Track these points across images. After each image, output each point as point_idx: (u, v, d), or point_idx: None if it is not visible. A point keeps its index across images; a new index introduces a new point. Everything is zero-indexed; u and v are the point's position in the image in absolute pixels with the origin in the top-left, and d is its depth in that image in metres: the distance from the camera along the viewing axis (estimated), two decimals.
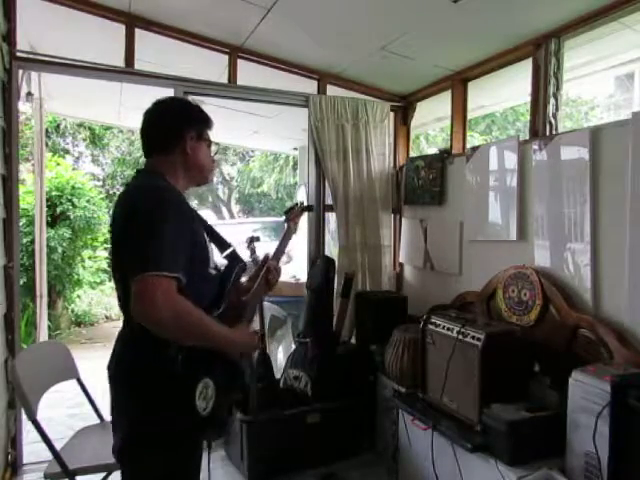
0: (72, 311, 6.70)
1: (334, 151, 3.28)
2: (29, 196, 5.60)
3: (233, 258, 1.56)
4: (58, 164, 6.75)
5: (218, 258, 1.55)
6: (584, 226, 2.18)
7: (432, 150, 7.56)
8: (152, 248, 1.22)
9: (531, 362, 2.15)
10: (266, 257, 1.78)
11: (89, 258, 6.87)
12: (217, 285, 1.46)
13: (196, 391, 1.30)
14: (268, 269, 1.70)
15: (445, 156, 3.14)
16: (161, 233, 1.23)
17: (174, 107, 1.52)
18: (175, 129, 1.45)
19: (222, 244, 1.58)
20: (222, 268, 1.52)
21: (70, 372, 2.28)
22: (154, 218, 1.25)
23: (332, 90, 3.40)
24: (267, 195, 12.84)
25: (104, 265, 7.00)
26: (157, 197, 1.30)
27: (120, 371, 1.37)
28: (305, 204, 2.18)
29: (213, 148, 1.56)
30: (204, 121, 1.51)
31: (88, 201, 6.42)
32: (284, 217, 2.08)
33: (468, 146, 3.12)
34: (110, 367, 1.39)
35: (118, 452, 1.37)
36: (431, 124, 4.51)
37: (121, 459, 1.37)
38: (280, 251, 1.83)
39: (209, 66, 3.29)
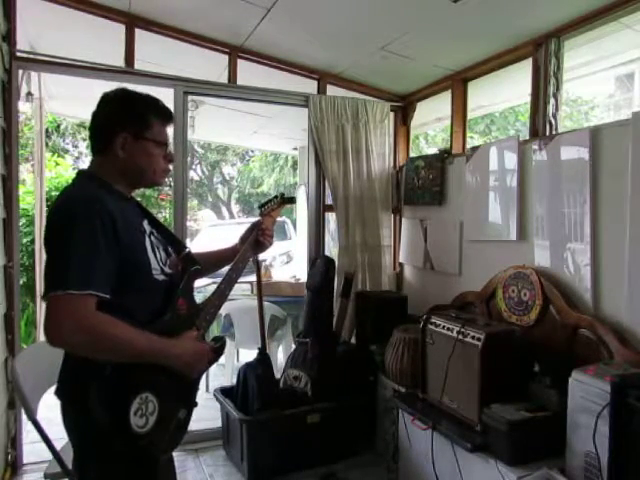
0: None
1: (334, 151, 3.28)
2: (29, 196, 5.60)
3: (187, 262, 1.45)
4: (57, 164, 6.75)
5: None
6: (584, 226, 2.18)
7: (432, 150, 7.56)
8: (60, 264, 1.15)
9: (531, 362, 2.15)
10: (259, 221, 1.75)
11: None
12: (165, 292, 1.34)
13: (131, 407, 1.19)
14: (261, 229, 1.69)
15: (445, 156, 3.14)
16: (70, 247, 1.15)
17: (107, 104, 1.36)
18: (104, 130, 1.33)
19: (178, 247, 1.48)
20: (172, 272, 1.39)
21: None
22: (62, 232, 1.18)
23: (332, 90, 3.40)
24: (267, 195, 12.85)
25: None
26: (70, 208, 1.21)
27: (60, 386, 1.32)
28: (286, 195, 1.89)
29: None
30: (143, 118, 1.33)
31: None
32: (259, 211, 1.82)
33: (468, 146, 3.13)
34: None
35: (72, 465, 1.34)
36: (431, 124, 4.50)
37: (75, 473, 1.34)
38: (246, 249, 1.65)
39: (209, 66, 3.29)
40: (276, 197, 1.86)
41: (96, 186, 1.29)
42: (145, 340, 1.23)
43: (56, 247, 1.19)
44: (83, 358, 1.20)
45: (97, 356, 1.18)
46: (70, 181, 1.36)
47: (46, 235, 1.23)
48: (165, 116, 1.40)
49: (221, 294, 1.51)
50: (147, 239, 1.35)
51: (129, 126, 1.32)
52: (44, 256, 1.26)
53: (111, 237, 1.20)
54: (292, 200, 1.93)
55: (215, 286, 1.53)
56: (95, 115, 1.36)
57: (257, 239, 1.71)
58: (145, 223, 1.39)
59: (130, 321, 1.21)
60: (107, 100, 1.37)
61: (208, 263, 1.64)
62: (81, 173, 1.37)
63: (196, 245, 7.55)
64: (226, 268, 1.64)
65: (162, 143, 1.38)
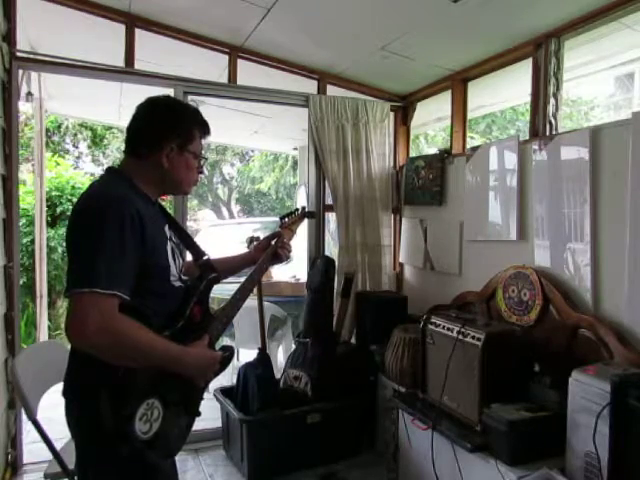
0: None
1: (334, 151, 3.28)
2: (29, 196, 5.60)
3: (206, 269, 1.46)
4: (58, 164, 6.75)
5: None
6: (584, 226, 2.18)
7: (432, 150, 7.55)
8: (87, 262, 1.14)
9: (531, 362, 2.14)
10: (279, 232, 1.78)
11: None
12: (181, 298, 1.36)
13: (137, 412, 1.18)
14: (281, 242, 1.72)
15: (445, 156, 3.14)
16: (99, 246, 1.14)
17: (160, 112, 1.37)
18: (153, 138, 1.33)
19: (197, 253, 1.49)
20: (187, 279, 1.41)
21: None
22: (91, 230, 1.16)
23: (332, 90, 3.40)
24: (267, 195, 12.83)
25: None
26: (101, 206, 1.19)
27: (67, 386, 1.31)
28: (307, 209, 1.97)
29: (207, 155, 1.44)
30: (190, 132, 1.37)
31: None
32: (279, 222, 1.87)
33: (468, 146, 3.13)
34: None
35: (75, 464, 1.34)
36: (431, 124, 4.50)
37: (77, 471, 1.34)
38: (264, 261, 1.69)
39: (209, 66, 3.29)
40: (297, 210, 1.91)
41: (126, 186, 1.29)
42: (162, 346, 1.23)
43: (83, 244, 1.18)
44: (95, 359, 1.17)
45: (115, 358, 1.16)
46: (98, 177, 1.36)
47: (72, 231, 1.23)
48: (206, 130, 1.43)
49: (235, 304, 1.53)
50: (169, 244, 1.35)
51: (177, 138, 1.34)
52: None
53: (139, 239, 1.21)
54: (312, 215, 2.06)
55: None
56: (142, 120, 1.36)
57: (275, 251, 1.73)
58: (166, 228, 1.39)
59: (143, 324, 1.21)
60: (156, 108, 1.38)
61: (223, 269, 1.64)
62: (111, 171, 1.36)
63: None
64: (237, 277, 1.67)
65: (200, 156, 1.42)
